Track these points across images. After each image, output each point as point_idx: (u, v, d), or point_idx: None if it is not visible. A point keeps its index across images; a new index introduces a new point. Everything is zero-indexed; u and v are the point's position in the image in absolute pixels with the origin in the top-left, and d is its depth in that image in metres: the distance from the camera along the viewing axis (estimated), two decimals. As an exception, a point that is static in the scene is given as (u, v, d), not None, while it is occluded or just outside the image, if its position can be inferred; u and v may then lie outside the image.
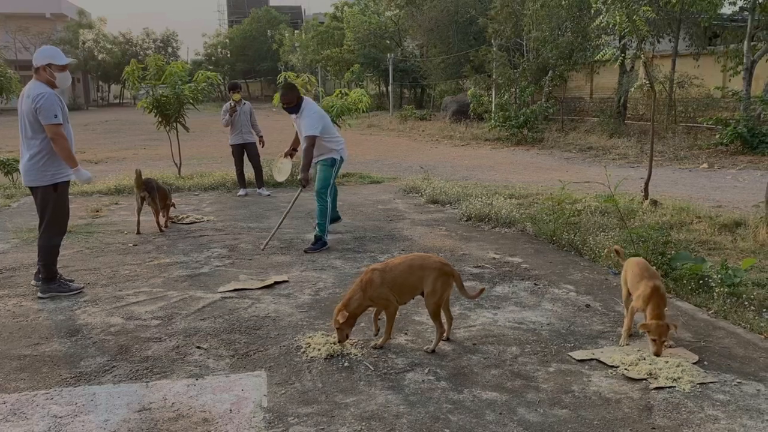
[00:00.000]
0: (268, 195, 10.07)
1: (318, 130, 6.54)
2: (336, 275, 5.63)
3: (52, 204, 5.07)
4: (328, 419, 3.15)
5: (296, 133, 7.30)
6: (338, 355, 3.87)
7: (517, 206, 8.34)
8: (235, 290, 5.21)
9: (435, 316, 3.97)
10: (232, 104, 10.02)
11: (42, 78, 4.95)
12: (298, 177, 6.79)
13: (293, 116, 6.75)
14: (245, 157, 10.22)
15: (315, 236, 6.69)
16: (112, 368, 3.74)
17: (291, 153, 7.47)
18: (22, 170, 5.09)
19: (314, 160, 6.77)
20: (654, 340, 3.70)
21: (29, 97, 4.88)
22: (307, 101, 6.75)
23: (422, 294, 4.00)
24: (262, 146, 10.38)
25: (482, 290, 4.34)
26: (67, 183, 5.16)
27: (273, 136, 12.96)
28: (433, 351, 3.93)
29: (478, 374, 3.64)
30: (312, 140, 6.52)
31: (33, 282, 5.34)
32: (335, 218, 7.35)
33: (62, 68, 5.02)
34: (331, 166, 6.79)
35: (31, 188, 5.13)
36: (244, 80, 64.01)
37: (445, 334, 4.11)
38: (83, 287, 5.28)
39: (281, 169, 8.17)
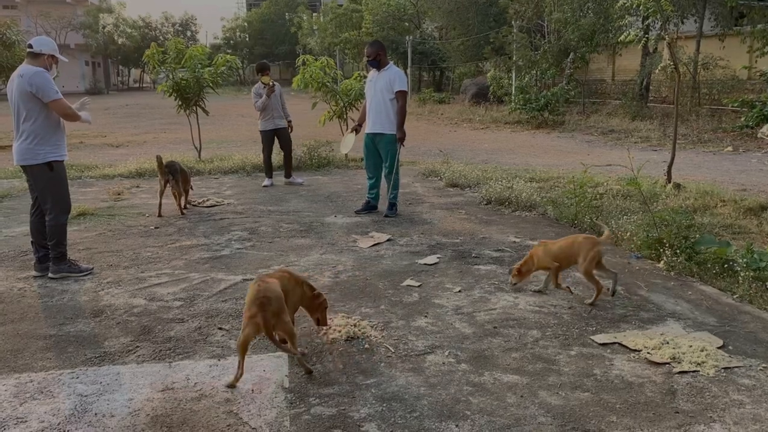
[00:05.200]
0: (301, 183, 9.62)
1: (407, 87, 7.02)
2: (355, 258, 5.64)
3: (50, 184, 5.10)
4: (349, 400, 3.16)
5: (363, 109, 7.62)
6: (358, 337, 3.88)
7: (537, 190, 8.26)
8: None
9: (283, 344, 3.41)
10: (263, 87, 9.24)
11: (40, 63, 5.02)
12: (398, 135, 7.14)
13: (371, 74, 7.24)
14: (275, 143, 9.53)
15: (391, 203, 7.33)
16: (135, 348, 3.79)
17: (357, 128, 7.73)
18: (14, 151, 5.10)
19: (377, 129, 7.17)
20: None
21: (22, 77, 4.91)
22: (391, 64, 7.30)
23: None
24: (290, 131, 9.68)
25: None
26: (62, 162, 5.18)
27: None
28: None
29: (499, 357, 3.63)
30: (406, 96, 7.10)
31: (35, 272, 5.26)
32: (373, 206, 7.59)
33: (56, 63, 5.20)
34: (394, 143, 7.17)
35: (24, 169, 5.15)
36: (264, 64, 64.07)
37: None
38: (92, 268, 5.33)
39: (347, 143, 8.33)
